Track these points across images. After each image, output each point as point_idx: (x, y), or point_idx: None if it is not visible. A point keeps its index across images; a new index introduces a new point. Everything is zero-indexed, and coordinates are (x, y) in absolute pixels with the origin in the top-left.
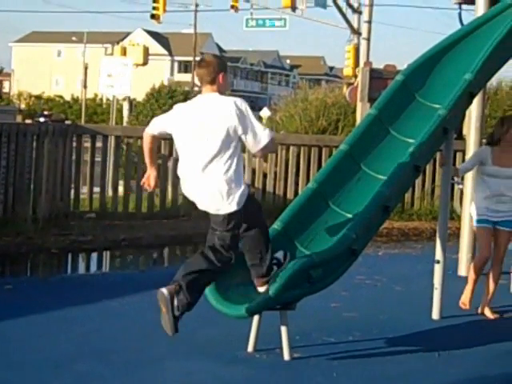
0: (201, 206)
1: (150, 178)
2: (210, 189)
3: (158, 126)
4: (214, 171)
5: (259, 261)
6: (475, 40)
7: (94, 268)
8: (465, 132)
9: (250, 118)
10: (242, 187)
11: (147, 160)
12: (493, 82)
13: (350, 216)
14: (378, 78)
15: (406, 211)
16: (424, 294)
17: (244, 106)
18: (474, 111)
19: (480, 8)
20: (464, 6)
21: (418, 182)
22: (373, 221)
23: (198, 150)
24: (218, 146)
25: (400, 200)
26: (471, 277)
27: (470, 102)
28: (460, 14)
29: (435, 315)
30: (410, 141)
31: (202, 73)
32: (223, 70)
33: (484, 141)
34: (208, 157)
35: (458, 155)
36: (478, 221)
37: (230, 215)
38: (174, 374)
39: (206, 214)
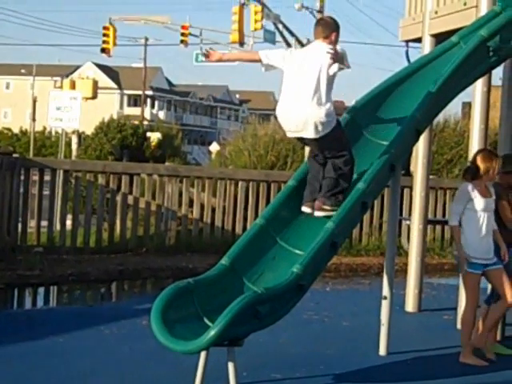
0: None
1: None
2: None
3: (272, 56)
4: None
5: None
6: (422, 77)
7: (40, 303)
8: (412, 168)
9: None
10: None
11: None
12: (439, 118)
13: (297, 252)
14: None
15: (354, 247)
16: (371, 330)
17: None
18: (421, 148)
19: (426, 46)
20: (411, 44)
21: (366, 217)
22: (321, 257)
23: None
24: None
25: (348, 236)
26: (467, 332)
27: (417, 139)
28: (407, 52)
29: (382, 351)
30: (358, 177)
31: (318, 30)
32: (337, 30)
33: (432, 176)
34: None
35: (406, 191)
36: (474, 267)
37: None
38: None
39: (155, 249)
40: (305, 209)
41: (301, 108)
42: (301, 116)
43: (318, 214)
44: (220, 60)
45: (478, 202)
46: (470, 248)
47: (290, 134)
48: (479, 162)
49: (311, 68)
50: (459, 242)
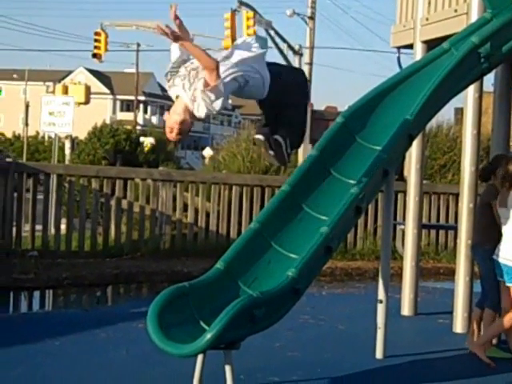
0: None
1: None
2: None
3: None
4: None
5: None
6: (414, 83)
7: (36, 306)
8: (406, 173)
9: None
10: None
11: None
12: (432, 124)
13: (292, 256)
14: (319, 119)
15: (349, 251)
16: (367, 334)
17: None
18: (414, 153)
19: (418, 52)
20: (403, 50)
21: (361, 222)
22: (316, 261)
23: None
24: None
25: (343, 240)
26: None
27: (410, 144)
28: (399, 58)
29: (379, 354)
30: (352, 182)
31: None
32: None
33: (426, 181)
34: None
35: (400, 196)
36: None
37: None
38: None
39: (149, 253)
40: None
41: None
42: None
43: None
44: (181, 45)
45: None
46: None
47: None
48: (500, 165)
49: None
50: None
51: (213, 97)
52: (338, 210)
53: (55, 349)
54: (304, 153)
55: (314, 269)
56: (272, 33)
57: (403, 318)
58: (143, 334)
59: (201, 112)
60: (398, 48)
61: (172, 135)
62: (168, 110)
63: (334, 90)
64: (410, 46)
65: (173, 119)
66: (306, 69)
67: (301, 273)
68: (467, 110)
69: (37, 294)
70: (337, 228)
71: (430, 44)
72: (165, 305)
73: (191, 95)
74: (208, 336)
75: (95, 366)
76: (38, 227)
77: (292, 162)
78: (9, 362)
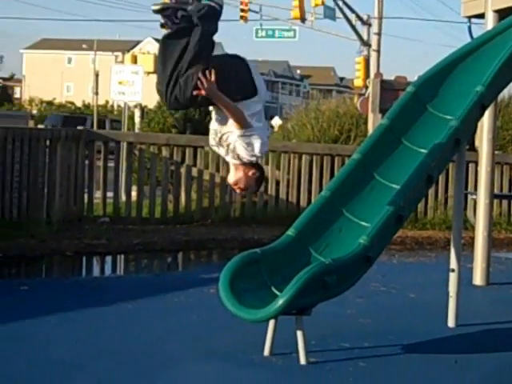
0: None
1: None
2: None
3: None
4: None
5: None
6: (486, 52)
7: (108, 271)
8: (477, 143)
9: None
10: None
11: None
12: (504, 94)
13: (364, 224)
14: (389, 89)
15: (420, 220)
16: (439, 303)
17: None
18: (486, 123)
19: (489, 21)
20: (474, 20)
21: (431, 192)
22: (387, 229)
23: None
24: None
25: (413, 210)
26: None
27: (482, 114)
28: (470, 28)
29: (451, 323)
30: (423, 151)
31: None
32: None
33: (497, 152)
34: None
35: (471, 166)
36: None
37: None
38: (189, 376)
39: (220, 221)
40: None
41: None
42: None
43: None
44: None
45: None
46: None
47: None
48: None
49: None
50: None
51: (247, 139)
52: (410, 179)
53: (127, 312)
54: (374, 122)
55: (386, 237)
56: (340, 3)
57: (475, 287)
58: (214, 300)
59: (247, 158)
60: (469, 18)
61: (239, 191)
62: None
63: (402, 60)
64: (481, 16)
65: (230, 182)
66: (374, 39)
67: (372, 241)
68: None
69: (108, 258)
70: (408, 197)
71: (502, 13)
72: (237, 271)
73: (232, 155)
74: (280, 302)
75: (167, 330)
76: (109, 194)
77: (362, 132)
78: (82, 324)
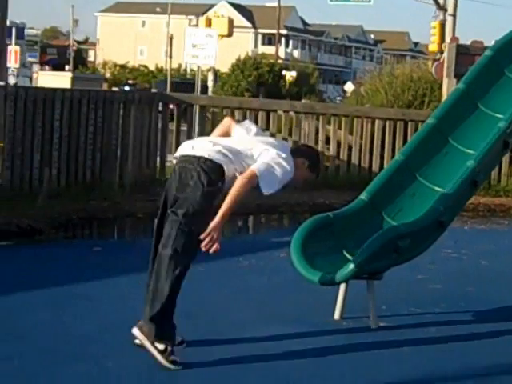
0: None
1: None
2: None
3: None
4: None
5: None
6: None
7: None
8: None
9: None
10: None
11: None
12: None
13: (438, 189)
14: (464, 53)
15: (493, 187)
16: (511, 270)
17: None
18: None
19: None
20: None
21: (505, 158)
22: (461, 195)
23: None
24: None
25: (488, 176)
26: None
27: None
28: None
29: None
30: (499, 116)
31: None
32: None
33: None
34: None
35: None
36: None
37: None
38: (260, 336)
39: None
40: None
41: None
42: None
43: None
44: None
45: None
46: None
47: None
48: None
49: None
50: None
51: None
52: (485, 144)
53: (199, 274)
54: (448, 87)
55: (459, 203)
56: None
57: None
58: (285, 263)
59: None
60: None
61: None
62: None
63: (479, 25)
64: None
65: None
66: (450, 3)
67: (446, 206)
68: None
69: None
70: (483, 162)
71: None
72: (309, 234)
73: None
74: (352, 265)
75: (237, 291)
76: None
77: (436, 97)
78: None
